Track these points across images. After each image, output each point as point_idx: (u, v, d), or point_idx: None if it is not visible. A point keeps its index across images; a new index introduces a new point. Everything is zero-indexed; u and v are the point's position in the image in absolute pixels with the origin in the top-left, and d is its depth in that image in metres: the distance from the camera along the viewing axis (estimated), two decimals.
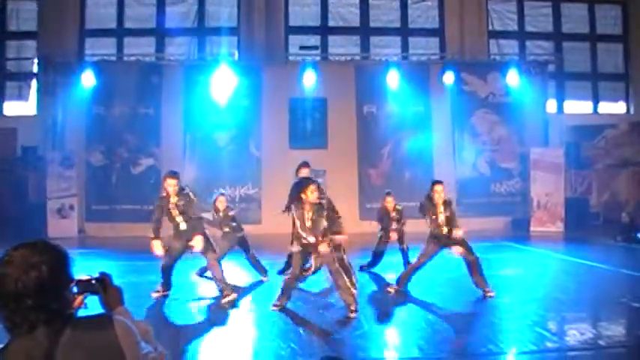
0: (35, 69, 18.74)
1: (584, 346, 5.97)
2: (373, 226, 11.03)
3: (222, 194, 9.99)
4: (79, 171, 17.41)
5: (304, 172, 9.31)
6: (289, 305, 7.77)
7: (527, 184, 18.30)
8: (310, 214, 7.55)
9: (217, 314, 7.50)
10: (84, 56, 18.49)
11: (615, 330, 6.77)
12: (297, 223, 7.57)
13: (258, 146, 18.05)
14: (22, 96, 19.06)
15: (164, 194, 8.23)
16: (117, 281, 2.23)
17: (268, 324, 6.94)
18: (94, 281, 2.12)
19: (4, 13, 18.94)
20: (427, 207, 8.64)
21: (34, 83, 18.80)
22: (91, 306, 2.11)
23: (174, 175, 8.24)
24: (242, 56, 18.75)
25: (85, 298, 2.08)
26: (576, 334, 6.45)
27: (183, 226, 8.16)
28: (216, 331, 6.79)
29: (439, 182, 8.79)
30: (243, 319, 7.40)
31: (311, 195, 7.52)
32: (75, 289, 2.03)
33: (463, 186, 18.23)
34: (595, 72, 20.53)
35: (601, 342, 6.12)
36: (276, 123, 17.89)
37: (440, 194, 8.61)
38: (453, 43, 19.29)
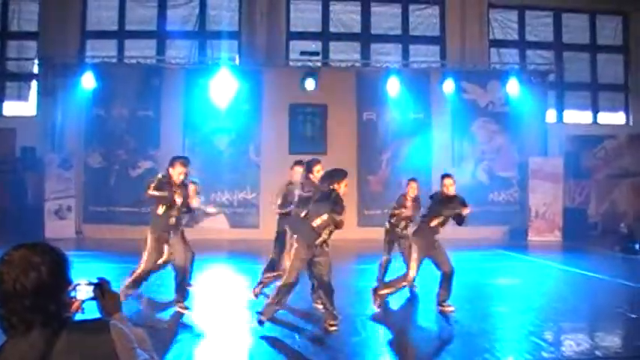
0: (36, 70, 18.75)
1: (581, 357, 5.96)
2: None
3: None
4: (78, 172, 17.35)
5: (298, 172, 8.17)
6: (285, 311, 7.74)
7: (525, 193, 18.25)
8: None
9: (212, 319, 7.47)
10: (84, 58, 18.45)
11: (612, 341, 6.78)
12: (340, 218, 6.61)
13: (257, 151, 18.00)
14: (21, 96, 19.02)
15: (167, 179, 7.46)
16: (114, 284, 2.22)
17: (264, 329, 6.90)
18: (92, 286, 2.10)
19: (5, 13, 18.89)
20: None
21: (34, 84, 18.78)
22: (88, 311, 2.09)
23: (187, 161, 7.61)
24: (243, 60, 18.76)
25: (83, 302, 2.07)
26: (573, 344, 6.45)
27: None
28: (210, 337, 6.77)
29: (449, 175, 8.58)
30: (239, 324, 7.35)
31: (344, 188, 6.63)
32: (73, 293, 2.02)
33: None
34: (595, 82, 20.50)
35: (597, 352, 6.12)
36: (276, 128, 17.83)
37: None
38: (454, 51, 19.30)
